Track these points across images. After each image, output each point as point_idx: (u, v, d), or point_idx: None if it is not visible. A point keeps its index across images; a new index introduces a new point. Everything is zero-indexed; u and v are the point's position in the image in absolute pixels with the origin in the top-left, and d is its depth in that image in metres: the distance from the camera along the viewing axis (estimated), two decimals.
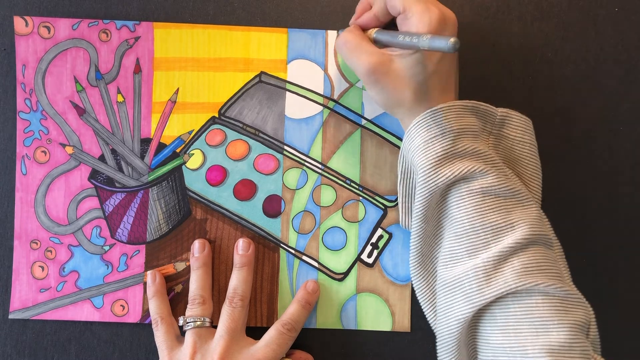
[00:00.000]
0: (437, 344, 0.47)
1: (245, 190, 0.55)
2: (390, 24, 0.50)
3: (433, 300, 0.49)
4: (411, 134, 0.47)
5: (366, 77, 0.47)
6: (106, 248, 0.54)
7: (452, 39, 0.41)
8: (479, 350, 0.46)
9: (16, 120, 0.54)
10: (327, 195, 0.55)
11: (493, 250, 0.44)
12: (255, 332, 0.52)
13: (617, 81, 0.54)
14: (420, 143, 0.46)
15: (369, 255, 0.54)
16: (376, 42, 0.49)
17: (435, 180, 0.46)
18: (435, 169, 0.46)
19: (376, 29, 0.49)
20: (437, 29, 0.44)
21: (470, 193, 0.45)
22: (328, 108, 0.55)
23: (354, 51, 0.47)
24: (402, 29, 0.47)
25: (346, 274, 0.54)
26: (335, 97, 0.55)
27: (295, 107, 0.55)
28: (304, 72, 0.55)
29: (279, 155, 0.55)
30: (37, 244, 0.54)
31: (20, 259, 0.54)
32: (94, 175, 0.54)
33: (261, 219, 0.54)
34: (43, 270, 0.54)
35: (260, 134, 0.55)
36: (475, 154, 0.46)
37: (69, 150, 0.54)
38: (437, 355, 0.47)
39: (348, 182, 0.55)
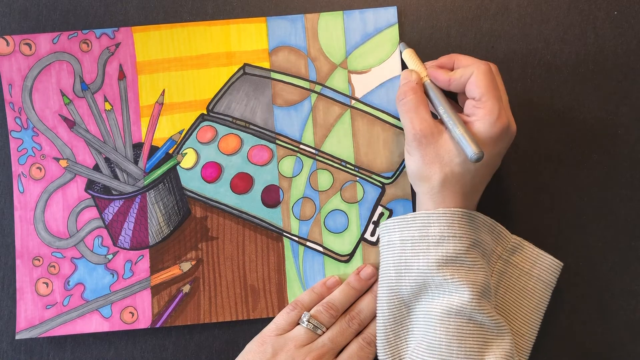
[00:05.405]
0: None
1: (242, 183, 0.54)
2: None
3: None
4: (431, 218, 0.47)
5: (411, 140, 0.48)
6: (110, 257, 0.54)
7: (478, 154, 0.44)
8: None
9: (9, 140, 0.54)
10: (324, 179, 0.54)
11: None
12: (266, 322, 0.52)
13: (616, 84, 0.54)
14: (436, 233, 0.47)
15: (372, 234, 0.54)
16: (425, 91, 0.50)
17: (434, 276, 0.47)
18: (440, 267, 0.46)
19: (429, 80, 0.50)
20: (493, 135, 0.46)
21: (458, 314, 0.46)
22: (315, 92, 0.55)
23: (409, 112, 0.49)
24: (464, 108, 0.48)
25: (352, 255, 0.54)
26: (321, 80, 0.55)
27: (283, 95, 0.55)
28: (287, 59, 0.55)
29: (271, 145, 0.54)
30: (39, 260, 0.53)
31: (23, 278, 0.53)
32: (90, 185, 0.54)
33: (261, 210, 0.54)
34: (48, 286, 0.53)
35: (251, 126, 0.55)
36: (479, 271, 0.47)
37: (63, 163, 0.54)
38: None
39: (343, 163, 0.54)
